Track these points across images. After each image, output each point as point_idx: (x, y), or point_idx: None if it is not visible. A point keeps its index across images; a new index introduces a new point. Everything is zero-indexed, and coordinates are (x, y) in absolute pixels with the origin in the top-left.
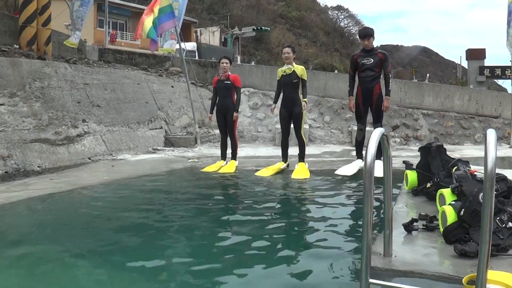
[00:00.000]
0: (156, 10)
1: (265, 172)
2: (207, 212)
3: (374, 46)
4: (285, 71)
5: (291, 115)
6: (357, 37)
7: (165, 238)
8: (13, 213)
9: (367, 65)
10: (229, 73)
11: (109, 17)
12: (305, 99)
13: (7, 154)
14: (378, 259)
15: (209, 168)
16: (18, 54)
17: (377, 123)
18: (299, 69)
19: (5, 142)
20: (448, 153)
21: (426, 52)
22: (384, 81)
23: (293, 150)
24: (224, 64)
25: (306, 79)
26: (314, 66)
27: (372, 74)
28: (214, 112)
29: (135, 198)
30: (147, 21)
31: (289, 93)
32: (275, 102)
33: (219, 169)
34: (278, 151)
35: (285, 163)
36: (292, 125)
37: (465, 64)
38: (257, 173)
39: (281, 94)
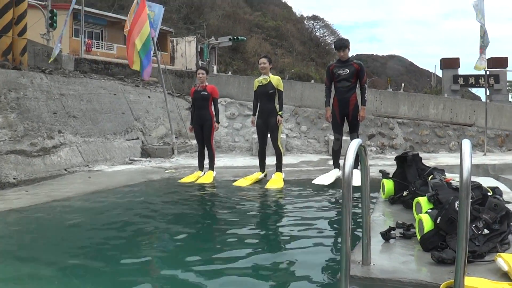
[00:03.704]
0: (138, 41)
1: (243, 182)
2: (185, 223)
3: (350, 57)
4: (261, 82)
5: (267, 126)
6: (333, 46)
7: (143, 250)
8: None
9: (343, 76)
10: (206, 83)
11: (84, 26)
12: (281, 112)
13: None
14: (357, 267)
15: (187, 179)
16: None
17: (353, 132)
18: (275, 80)
19: None
20: (423, 161)
21: (400, 61)
22: (360, 91)
23: (271, 160)
24: (201, 75)
25: (282, 89)
26: (290, 76)
27: (348, 84)
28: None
29: (113, 210)
30: (135, 53)
31: (265, 103)
32: (255, 114)
33: (197, 179)
34: (255, 161)
35: (262, 173)
36: (269, 135)
37: (439, 73)
38: (235, 183)
39: (258, 105)
